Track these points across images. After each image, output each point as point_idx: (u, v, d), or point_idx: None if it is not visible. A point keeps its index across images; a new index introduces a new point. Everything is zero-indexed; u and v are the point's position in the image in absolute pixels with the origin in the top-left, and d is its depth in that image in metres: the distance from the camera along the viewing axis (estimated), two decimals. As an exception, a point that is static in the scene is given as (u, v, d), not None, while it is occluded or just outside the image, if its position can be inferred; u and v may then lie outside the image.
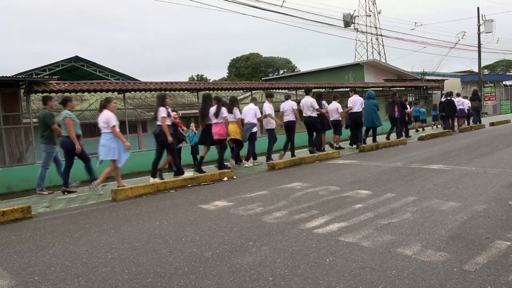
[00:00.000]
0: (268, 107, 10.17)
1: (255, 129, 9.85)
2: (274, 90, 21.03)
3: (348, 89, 16.92)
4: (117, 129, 7.24)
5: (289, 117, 10.37)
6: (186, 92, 19.25)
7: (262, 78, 43.83)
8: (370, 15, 49.04)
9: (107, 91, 14.68)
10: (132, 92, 16.34)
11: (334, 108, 12.14)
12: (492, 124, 18.92)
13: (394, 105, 14.02)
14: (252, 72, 54.67)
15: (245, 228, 4.50)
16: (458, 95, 18.21)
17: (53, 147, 7.77)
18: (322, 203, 5.49)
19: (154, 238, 4.33)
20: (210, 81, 51.07)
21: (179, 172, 8.44)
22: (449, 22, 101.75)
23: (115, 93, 15.86)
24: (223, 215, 5.17)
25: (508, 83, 39.83)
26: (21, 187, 11.64)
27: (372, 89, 23.44)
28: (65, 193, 7.65)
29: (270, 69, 57.85)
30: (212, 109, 8.91)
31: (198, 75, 60.22)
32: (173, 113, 8.66)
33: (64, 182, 7.77)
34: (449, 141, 13.02)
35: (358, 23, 37.00)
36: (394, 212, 4.79)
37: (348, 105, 12.10)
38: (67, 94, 9.32)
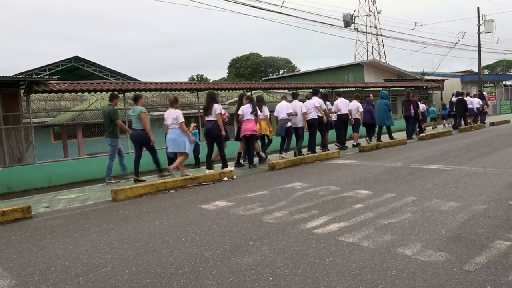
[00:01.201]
0: (303, 106, 10.67)
1: (289, 124, 10.39)
2: (274, 90, 21.02)
3: (348, 89, 17.01)
4: (184, 125, 8.20)
5: (311, 115, 10.85)
6: (186, 92, 19.23)
7: (262, 78, 43.83)
8: (370, 15, 49.03)
9: (107, 91, 14.65)
10: (132, 92, 16.32)
11: (355, 108, 12.56)
12: (492, 124, 18.94)
13: (409, 104, 14.52)
14: (252, 72, 54.64)
15: (245, 228, 4.50)
16: (467, 94, 18.80)
17: (117, 140, 8.62)
18: (322, 203, 5.49)
19: (154, 238, 4.33)
20: (210, 81, 51.05)
21: (224, 165, 8.98)
22: (449, 22, 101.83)
23: (115, 93, 15.85)
24: (223, 215, 5.17)
25: (508, 83, 39.81)
26: (21, 187, 11.63)
27: (372, 89, 23.45)
28: (137, 181, 8.19)
29: (270, 69, 57.82)
30: (247, 107, 9.35)
31: (198, 75, 60.25)
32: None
33: (135, 172, 8.47)
34: (449, 141, 13.03)
35: (358, 23, 37.01)
36: (394, 212, 4.79)
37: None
38: (138, 93, 10.02)
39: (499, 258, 3.27)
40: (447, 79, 34.66)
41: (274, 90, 21.32)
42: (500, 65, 61.37)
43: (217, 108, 8.54)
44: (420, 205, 5.05)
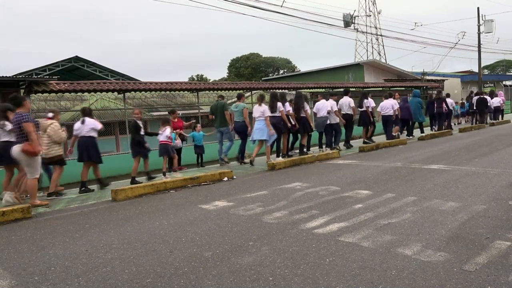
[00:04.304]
0: (334, 104, 11.79)
1: (328, 121, 11.54)
2: (274, 90, 21.00)
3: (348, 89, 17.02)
4: (268, 119, 9.53)
5: (346, 111, 12.13)
6: (186, 92, 19.22)
7: (262, 78, 43.75)
8: (370, 15, 48.96)
9: (107, 91, 14.63)
10: (132, 92, 16.30)
11: (391, 105, 13.48)
12: (492, 124, 18.94)
13: (441, 102, 15.99)
14: (252, 72, 54.60)
15: (245, 228, 4.50)
16: (485, 93, 20.19)
17: (228, 127, 10.41)
18: (322, 203, 5.49)
19: (154, 238, 4.34)
20: (210, 81, 51.04)
21: (287, 154, 10.74)
22: (449, 22, 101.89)
23: (115, 93, 15.84)
24: (223, 215, 5.17)
25: (508, 83, 39.74)
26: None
27: (372, 89, 23.44)
28: (242, 163, 10.29)
29: (270, 69, 57.79)
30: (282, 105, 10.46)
31: (198, 75, 60.20)
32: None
33: (241, 155, 10.48)
34: (449, 141, 13.03)
35: (358, 23, 36.97)
36: (394, 212, 4.79)
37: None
38: (241, 92, 12.10)
39: (499, 258, 3.27)
40: (447, 79, 34.61)
41: (274, 90, 21.30)
42: (500, 65, 61.36)
43: (280, 106, 10.01)
44: (420, 205, 5.05)
